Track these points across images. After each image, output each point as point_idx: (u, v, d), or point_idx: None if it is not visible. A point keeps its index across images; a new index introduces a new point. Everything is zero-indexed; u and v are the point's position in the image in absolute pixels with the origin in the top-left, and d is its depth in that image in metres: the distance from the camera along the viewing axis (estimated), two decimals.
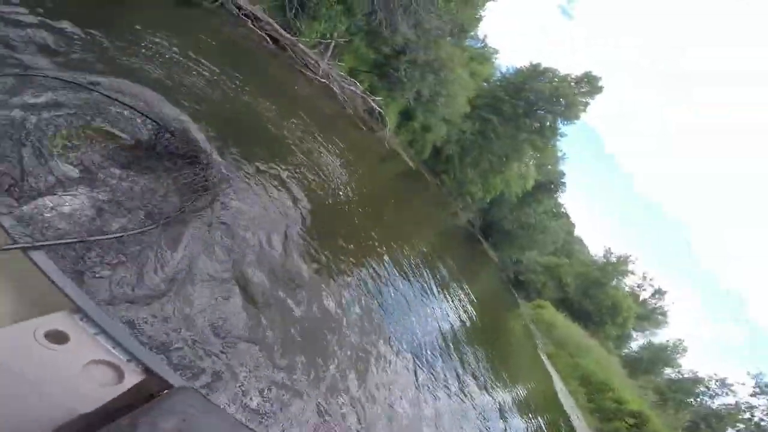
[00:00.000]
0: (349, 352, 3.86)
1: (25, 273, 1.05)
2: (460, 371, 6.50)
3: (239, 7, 10.52)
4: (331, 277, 4.65)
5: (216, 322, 2.28)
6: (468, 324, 9.17)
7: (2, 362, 0.79)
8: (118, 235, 1.85)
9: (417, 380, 4.91)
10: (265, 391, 2.37)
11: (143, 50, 4.87)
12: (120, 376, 0.92)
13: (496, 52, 31.08)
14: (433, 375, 5.49)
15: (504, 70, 31.60)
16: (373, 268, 5.87)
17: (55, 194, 1.86)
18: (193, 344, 2.01)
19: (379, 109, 15.86)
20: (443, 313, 7.90)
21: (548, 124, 28.97)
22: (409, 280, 7.20)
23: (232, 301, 2.53)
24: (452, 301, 9.23)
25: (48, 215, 1.76)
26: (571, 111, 28.36)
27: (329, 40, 13.73)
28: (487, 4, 23.50)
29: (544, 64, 27.90)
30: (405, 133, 21.48)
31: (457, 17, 19.93)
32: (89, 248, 1.80)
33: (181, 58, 5.66)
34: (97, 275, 1.78)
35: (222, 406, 1.74)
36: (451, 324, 7.85)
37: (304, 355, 3.04)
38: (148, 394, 0.95)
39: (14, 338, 0.85)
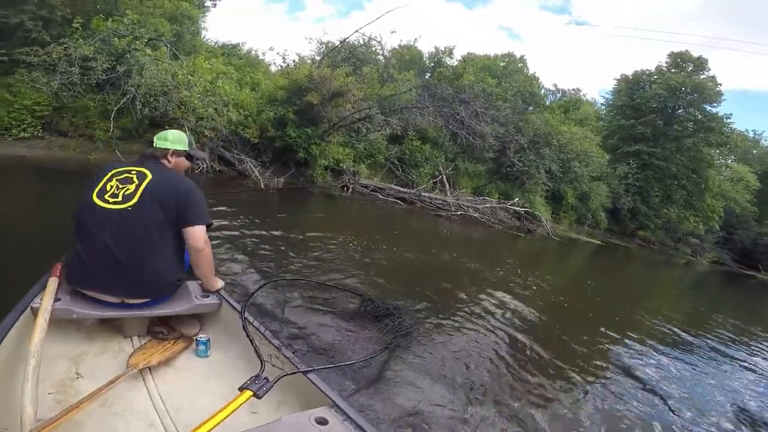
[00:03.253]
0: None
1: (305, 386, 1.58)
2: None
3: (365, 186, 12.48)
4: (575, 391, 3.49)
5: (430, 421, 2.49)
6: None
7: None
8: (352, 362, 2.66)
9: None
10: None
11: (321, 243, 6.01)
12: None
13: (579, 90, 29.54)
14: None
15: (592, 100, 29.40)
16: (628, 367, 4.22)
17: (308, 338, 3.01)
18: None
19: (521, 209, 15.05)
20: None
21: (699, 116, 24.26)
22: (685, 361, 5.01)
23: (443, 407, 2.67)
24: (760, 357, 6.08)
25: (312, 352, 2.84)
26: (704, 94, 23.75)
27: (440, 177, 14.64)
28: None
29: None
30: (566, 215, 19.51)
31: (520, 87, 19.95)
32: (339, 371, 2.64)
33: (349, 239, 6.70)
34: (343, 387, 2.52)
35: None
36: None
37: None
38: None
39: (299, 420, 1.32)
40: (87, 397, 1.39)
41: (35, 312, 1.64)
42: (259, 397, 1.38)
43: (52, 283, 1.80)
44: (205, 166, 9.14)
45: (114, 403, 1.54)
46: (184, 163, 2.12)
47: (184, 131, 2.45)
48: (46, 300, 1.68)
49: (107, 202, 1.77)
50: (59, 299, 1.76)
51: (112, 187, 1.81)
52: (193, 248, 1.92)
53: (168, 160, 2.02)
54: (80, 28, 7.58)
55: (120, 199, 1.78)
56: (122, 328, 1.98)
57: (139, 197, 1.79)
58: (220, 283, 2.16)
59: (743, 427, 3.45)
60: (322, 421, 1.34)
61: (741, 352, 5.94)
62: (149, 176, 1.85)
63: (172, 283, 1.99)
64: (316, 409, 1.41)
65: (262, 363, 1.60)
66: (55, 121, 7.58)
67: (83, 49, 7.12)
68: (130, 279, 1.80)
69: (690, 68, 24.77)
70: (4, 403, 1.33)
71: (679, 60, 25.10)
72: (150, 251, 1.81)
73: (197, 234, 1.88)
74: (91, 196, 1.79)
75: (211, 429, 1.19)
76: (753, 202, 26.60)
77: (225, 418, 1.25)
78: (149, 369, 1.75)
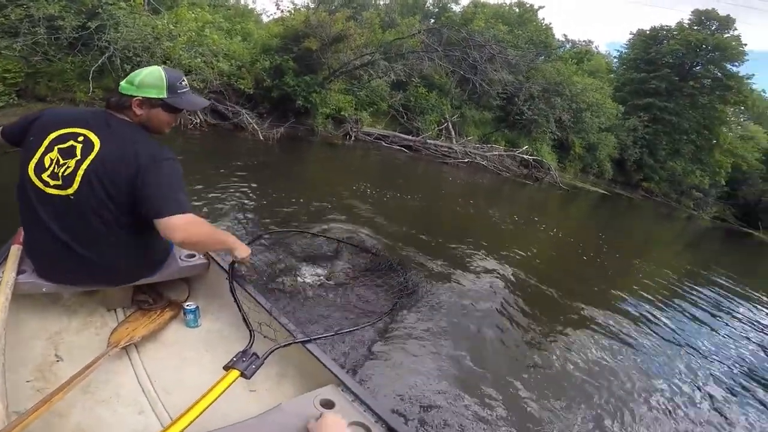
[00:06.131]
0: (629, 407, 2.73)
1: (305, 359, 1.45)
2: None
3: (369, 134, 12.23)
4: (569, 336, 3.53)
5: (441, 389, 2.41)
6: None
7: (295, 422, 1.12)
8: (357, 327, 2.43)
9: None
10: None
11: (322, 194, 5.92)
12: None
13: (590, 42, 28.30)
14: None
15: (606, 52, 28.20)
16: (622, 316, 4.21)
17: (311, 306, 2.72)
18: (426, 408, 2.23)
19: (529, 157, 14.79)
20: (742, 331, 5.09)
21: (718, 74, 23.52)
22: (676, 311, 4.99)
23: (454, 373, 2.59)
24: (749, 313, 6.10)
25: (310, 317, 2.57)
26: (726, 52, 22.97)
27: (445, 124, 14.28)
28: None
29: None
30: (572, 164, 19.26)
31: (531, 35, 19.12)
32: (340, 339, 2.47)
33: (352, 189, 6.67)
34: (347, 357, 2.39)
35: None
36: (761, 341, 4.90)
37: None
38: None
39: (301, 405, 1.20)
40: (66, 383, 1.23)
41: None
42: (247, 377, 1.20)
43: (15, 251, 1.53)
44: (198, 120, 8.75)
45: (98, 388, 1.38)
46: (161, 116, 1.46)
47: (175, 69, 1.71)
48: (8, 273, 1.43)
49: (47, 184, 1.33)
50: (24, 271, 1.49)
51: (51, 162, 1.33)
52: (172, 241, 1.45)
53: (134, 112, 1.42)
54: None
55: (60, 182, 1.32)
56: (104, 300, 1.74)
57: (80, 181, 1.32)
58: (241, 250, 1.64)
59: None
60: (327, 404, 1.21)
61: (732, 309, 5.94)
62: (96, 146, 1.34)
63: (154, 263, 1.67)
64: (320, 389, 1.28)
65: (251, 335, 1.41)
66: (30, 87, 7.14)
67: (46, 8, 6.47)
68: (95, 271, 1.47)
69: (714, 26, 23.91)
70: None
71: (704, 18, 24.13)
72: (114, 243, 1.43)
73: (169, 226, 1.31)
74: (28, 172, 1.34)
75: (198, 415, 1.05)
76: (761, 160, 26.42)
77: (212, 402, 1.10)
78: (135, 345, 1.56)
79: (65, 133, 1.36)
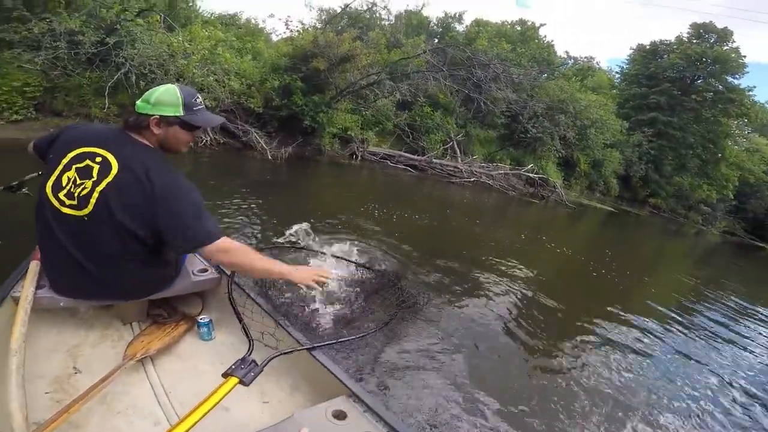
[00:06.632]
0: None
1: (316, 369, 1.44)
2: None
3: (374, 154, 12.30)
4: (581, 352, 3.50)
5: (451, 400, 2.41)
6: None
7: None
8: (354, 337, 2.40)
9: None
10: None
11: (327, 211, 5.93)
12: None
13: (592, 59, 28.54)
14: None
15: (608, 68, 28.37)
16: (634, 330, 4.17)
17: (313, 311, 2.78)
18: (437, 419, 2.24)
19: (534, 175, 14.77)
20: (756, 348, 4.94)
21: (719, 87, 23.48)
22: (691, 327, 4.86)
23: (463, 385, 2.58)
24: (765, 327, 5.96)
25: (313, 329, 2.50)
26: (726, 65, 23.00)
27: (450, 143, 14.35)
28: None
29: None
30: (577, 181, 19.21)
31: (534, 53, 19.32)
32: (345, 347, 2.47)
33: (358, 207, 6.69)
34: (355, 367, 2.40)
35: None
36: None
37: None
38: None
39: (313, 417, 1.19)
40: (84, 394, 1.26)
41: (17, 302, 1.43)
42: (246, 384, 1.21)
43: (34, 267, 1.56)
44: (208, 138, 8.86)
45: (114, 399, 1.41)
46: (178, 135, 1.44)
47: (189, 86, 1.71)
48: (27, 287, 1.46)
49: (63, 204, 1.34)
50: (43, 286, 1.51)
51: (68, 181, 1.34)
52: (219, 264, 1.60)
53: (152, 132, 1.41)
54: (63, 2, 7.17)
55: (75, 202, 1.33)
56: (119, 314, 1.79)
57: (95, 203, 1.32)
58: (286, 269, 1.57)
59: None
60: (339, 415, 1.22)
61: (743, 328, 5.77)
62: (114, 169, 1.33)
63: (167, 279, 1.68)
64: (332, 400, 1.29)
65: (250, 343, 1.45)
66: (48, 101, 7.30)
67: (68, 22, 6.72)
68: (109, 287, 1.49)
69: (713, 39, 23.99)
70: None
71: (702, 31, 24.23)
72: (127, 262, 1.44)
73: (207, 253, 1.38)
74: (45, 190, 1.36)
75: (196, 422, 1.05)
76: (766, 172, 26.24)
77: (210, 409, 1.10)
78: (150, 358, 1.60)
79: (83, 152, 1.37)
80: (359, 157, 11.91)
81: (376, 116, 12.80)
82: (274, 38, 14.74)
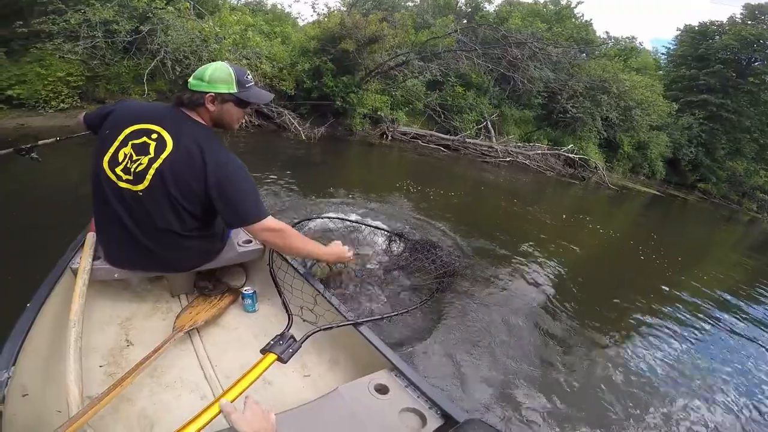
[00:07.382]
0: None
1: (357, 343, 1.46)
2: None
3: (405, 133, 12.08)
4: (612, 344, 3.24)
5: (492, 376, 2.35)
6: None
7: (350, 407, 1.13)
8: (404, 311, 2.27)
9: None
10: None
11: (362, 189, 5.89)
12: (424, 421, 1.14)
13: (634, 39, 26.75)
14: None
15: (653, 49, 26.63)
16: (685, 318, 3.88)
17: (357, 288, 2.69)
18: (478, 395, 2.20)
19: (574, 156, 14.06)
20: None
21: None
22: (736, 318, 4.41)
23: (504, 362, 2.51)
24: None
25: (353, 304, 2.51)
26: None
27: (484, 123, 13.85)
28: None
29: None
30: (620, 164, 18.19)
31: (572, 33, 18.35)
32: (390, 322, 2.46)
33: (398, 183, 6.77)
34: (395, 343, 2.35)
35: None
36: None
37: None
38: None
39: (356, 390, 1.20)
40: (135, 368, 1.26)
41: (75, 273, 1.46)
42: (284, 361, 1.19)
43: (90, 239, 1.59)
44: (244, 121, 8.95)
45: (164, 373, 1.42)
46: (232, 111, 1.45)
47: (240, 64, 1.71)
48: (84, 259, 1.49)
49: (120, 178, 1.37)
50: (99, 257, 1.55)
51: (125, 156, 1.36)
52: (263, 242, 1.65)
53: (207, 108, 1.42)
54: None
55: (131, 177, 1.36)
56: (169, 286, 1.82)
57: (150, 179, 1.35)
58: (337, 249, 1.73)
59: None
60: (382, 389, 1.23)
61: None
62: (169, 146, 1.35)
63: (214, 251, 1.71)
64: (374, 374, 1.29)
65: (289, 318, 1.42)
66: (90, 90, 7.61)
67: (101, 13, 6.90)
68: (161, 260, 1.53)
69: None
70: (56, 381, 1.17)
71: (758, 12, 22.41)
72: (178, 235, 1.47)
73: (253, 231, 1.45)
74: (102, 164, 1.38)
75: (235, 398, 1.03)
76: None
77: (249, 385, 1.08)
78: (197, 330, 1.62)
79: (139, 129, 1.39)
80: (389, 137, 11.76)
81: (406, 96, 12.55)
82: (300, 23, 14.73)
